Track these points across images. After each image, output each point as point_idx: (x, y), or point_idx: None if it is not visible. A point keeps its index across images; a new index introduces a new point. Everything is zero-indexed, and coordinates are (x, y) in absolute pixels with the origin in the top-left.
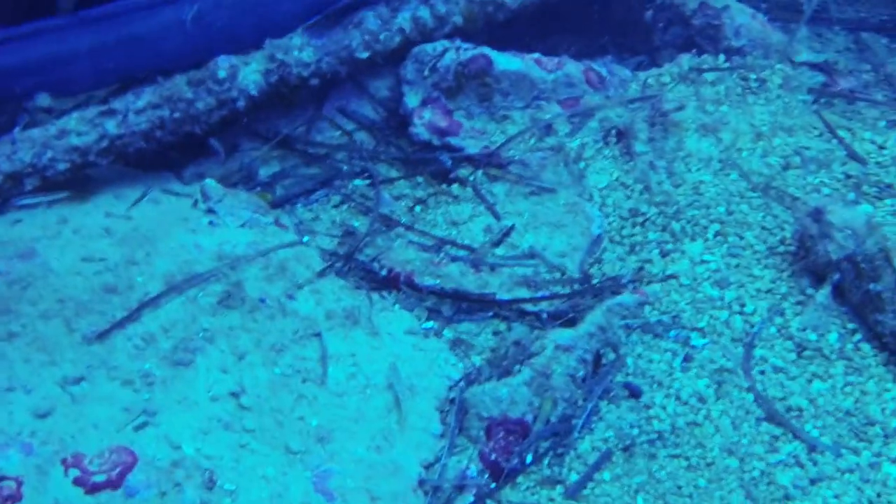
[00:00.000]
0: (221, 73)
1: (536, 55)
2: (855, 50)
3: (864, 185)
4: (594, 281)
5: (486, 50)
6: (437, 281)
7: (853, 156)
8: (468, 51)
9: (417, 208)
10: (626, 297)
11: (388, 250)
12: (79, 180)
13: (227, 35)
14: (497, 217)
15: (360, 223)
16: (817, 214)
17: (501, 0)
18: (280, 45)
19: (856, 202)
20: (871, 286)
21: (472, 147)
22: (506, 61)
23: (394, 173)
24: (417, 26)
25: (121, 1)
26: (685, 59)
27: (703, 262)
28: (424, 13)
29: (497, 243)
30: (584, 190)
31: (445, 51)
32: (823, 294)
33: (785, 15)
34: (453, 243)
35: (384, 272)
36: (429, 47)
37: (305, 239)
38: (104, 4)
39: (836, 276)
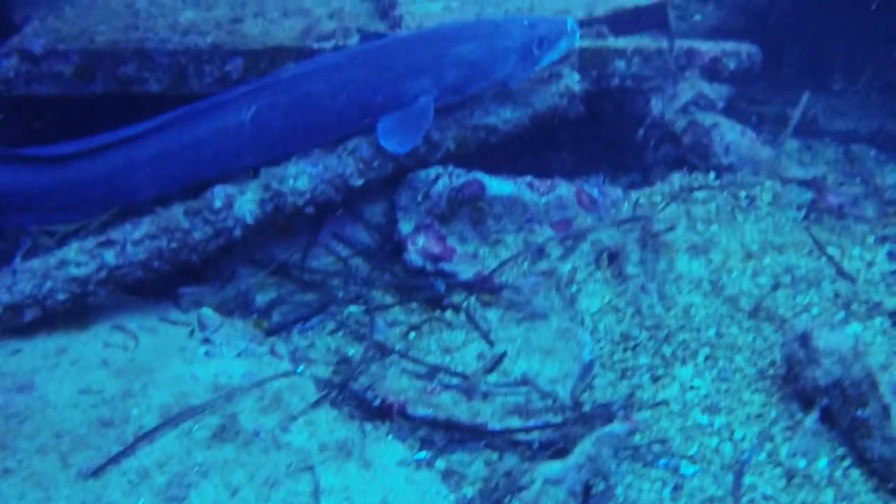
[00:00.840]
0: (217, 203)
1: (529, 178)
2: (845, 162)
3: (853, 304)
4: (585, 408)
5: (479, 175)
6: (430, 411)
7: (842, 273)
8: (461, 176)
9: (412, 335)
10: (616, 427)
11: (381, 379)
12: (78, 308)
13: (284, 135)
14: (490, 343)
15: (354, 350)
16: (804, 339)
17: (493, 125)
18: (275, 173)
19: (846, 322)
20: (859, 412)
21: (466, 272)
22: (498, 186)
23: (388, 299)
24: (411, 153)
25: (182, 107)
26: (676, 178)
27: (693, 387)
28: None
29: (490, 370)
30: (575, 314)
31: (438, 177)
32: (812, 420)
33: (775, 128)
34: (447, 371)
35: (378, 402)
36: (422, 174)
37: (300, 369)
38: (166, 113)
39: (825, 402)
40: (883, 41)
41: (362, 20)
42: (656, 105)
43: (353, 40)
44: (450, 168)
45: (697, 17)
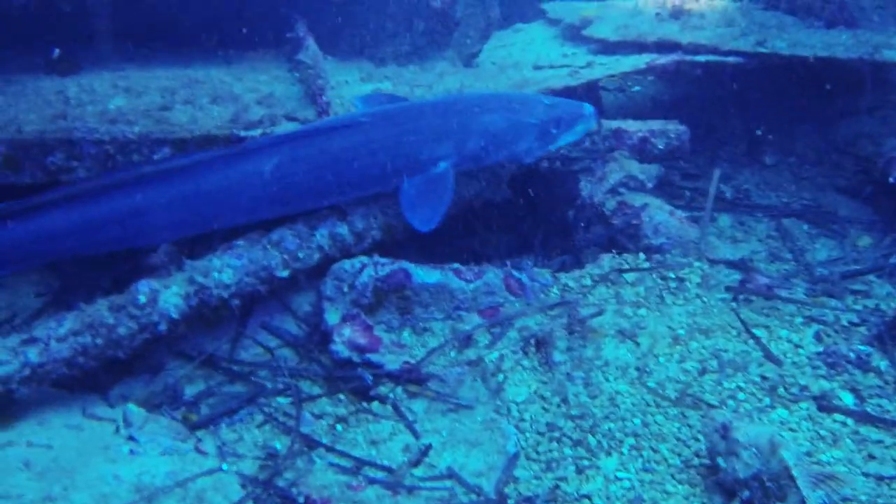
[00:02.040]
0: (142, 298)
1: (456, 266)
2: (777, 237)
3: (779, 388)
4: (510, 502)
5: (405, 264)
6: None
7: (769, 357)
8: (386, 266)
9: (339, 427)
10: None
11: (307, 474)
12: (2, 403)
13: (303, 190)
14: (416, 436)
15: (281, 444)
16: (724, 430)
17: None
18: (199, 267)
19: (771, 407)
20: None
21: (392, 363)
22: (424, 274)
23: (316, 390)
24: (336, 243)
25: (200, 153)
26: (606, 260)
27: (617, 479)
28: (342, 230)
29: (415, 464)
30: (502, 404)
31: (364, 267)
32: None
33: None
34: (372, 464)
35: (301, 499)
36: (347, 264)
37: (224, 466)
38: (182, 156)
39: (746, 494)
40: (816, 115)
41: (291, 105)
42: (585, 186)
43: (281, 127)
44: (375, 257)
45: (636, 89)
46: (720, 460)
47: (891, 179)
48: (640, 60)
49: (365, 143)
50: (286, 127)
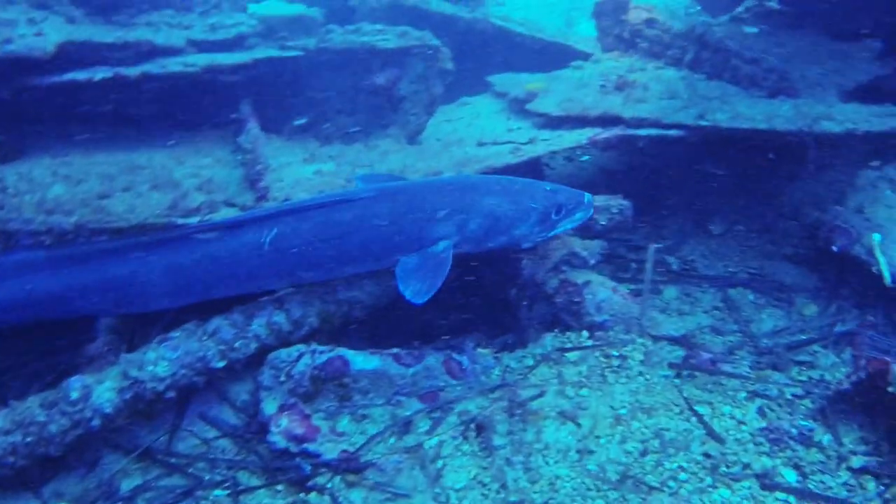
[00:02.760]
0: (74, 395)
1: (395, 350)
2: (723, 308)
3: (721, 466)
4: None
5: (342, 351)
6: None
7: (712, 434)
8: (324, 354)
9: None
10: None
11: None
12: None
13: (302, 262)
14: None
15: None
16: None
17: (357, 298)
18: (134, 360)
19: (713, 487)
20: None
21: (330, 452)
22: (363, 361)
23: (254, 481)
24: (273, 332)
25: (199, 223)
26: (548, 339)
27: None
28: (280, 318)
29: None
30: (441, 492)
31: (301, 356)
32: None
33: (656, 276)
34: None
35: None
36: (283, 353)
37: None
38: (181, 227)
39: None
40: (762, 183)
41: (232, 190)
42: (527, 265)
43: (220, 214)
44: (312, 345)
45: (585, 158)
46: None
47: (834, 248)
48: (583, 135)
49: (367, 218)
50: (225, 213)
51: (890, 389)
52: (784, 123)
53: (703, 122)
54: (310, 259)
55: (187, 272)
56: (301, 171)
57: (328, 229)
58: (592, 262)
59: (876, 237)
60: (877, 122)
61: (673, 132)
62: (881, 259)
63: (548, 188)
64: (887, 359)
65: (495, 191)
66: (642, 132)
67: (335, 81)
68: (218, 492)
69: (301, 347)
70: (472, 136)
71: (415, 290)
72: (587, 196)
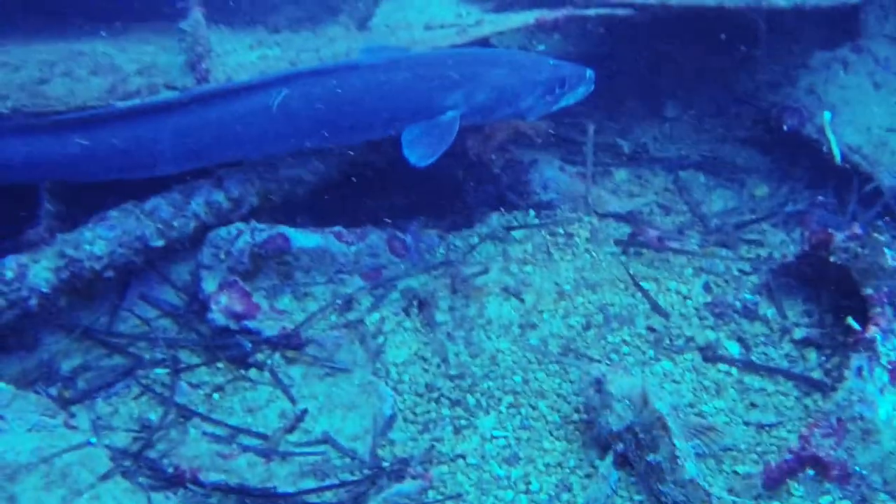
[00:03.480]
0: (9, 274)
1: (337, 228)
2: (674, 190)
3: (665, 340)
4: (384, 464)
5: (283, 229)
6: (223, 477)
7: (656, 309)
8: (263, 231)
9: (216, 396)
10: (406, 486)
11: (179, 444)
12: None
13: (310, 127)
14: (293, 402)
15: (156, 416)
16: (598, 384)
17: (299, 176)
18: (70, 239)
19: (655, 360)
20: (651, 457)
21: (270, 329)
22: (304, 238)
23: (195, 360)
24: (212, 210)
25: (207, 85)
26: (494, 218)
27: (493, 438)
28: (218, 197)
29: (290, 430)
30: (381, 367)
31: (240, 233)
32: (606, 466)
33: (607, 159)
34: (247, 432)
35: (171, 470)
36: (223, 231)
37: (93, 440)
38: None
39: (620, 447)
40: (716, 67)
41: (173, 75)
42: (473, 145)
43: (161, 96)
44: (252, 224)
45: (541, 47)
46: (595, 414)
47: (785, 128)
48: (530, 16)
49: (377, 86)
50: (166, 95)
51: (832, 258)
52: (733, 0)
53: (653, 1)
54: (318, 123)
55: (195, 134)
56: (246, 56)
57: (338, 94)
58: (539, 140)
59: (826, 115)
60: None
61: (621, 12)
62: (832, 138)
63: (552, 63)
64: (830, 230)
65: (502, 63)
66: (590, 12)
67: None
68: (158, 370)
69: (241, 225)
70: (421, 22)
71: (419, 154)
72: (589, 72)
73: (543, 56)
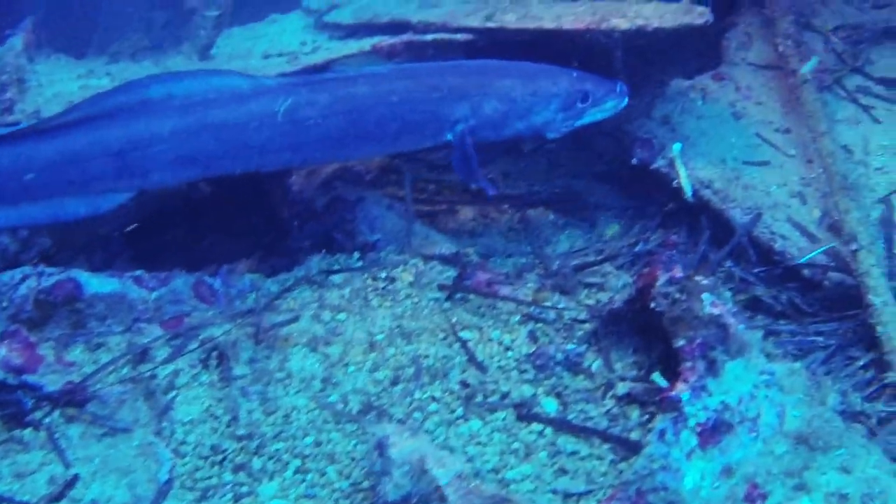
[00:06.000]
0: None
1: (138, 272)
2: (520, 230)
3: (477, 396)
4: None
5: (75, 273)
6: None
7: (473, 362)
8: (52, 276)
9: None
10: None
11: None
12: None
13: (317, 137)
14: (66, 465)
15: None
16: (380, 448)
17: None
18: None
19: (464, 419)
20: None
21: (53, 384)
22: (98, 283)
23: None
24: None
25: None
26: (315, 261)
27: None
28: (4, 239)
29: (58, 497)
30: (167, 426)
31: (25, 278)
32: None
33: (454, 197)
34: (9, 501)
35: None
36: (6, 276)
37: None
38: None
39: None
40: None
41: None
42: (296, 181)
43: None
44: (40, 267)
45: None
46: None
47: (634, 160)
48: (367, 43)
49: (385, 94)
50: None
51: (652, 304)
52: (572, 23)
53: (491, 24)
54: (324, 133)
55: (192, 140)
56: (67, 87)
57: (344, 102)
58: (368, 177)
59: (676, 147)
60: (669, 18)
61: (460, 36)
62: (682, 171)
63: (574, 74)
64: (658, 269)
65: (513, 74)
66: (429, 37)
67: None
68: None
69: (26, 269)
70: (262, 51)
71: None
72: (619, 84)
73: (565, 69)
